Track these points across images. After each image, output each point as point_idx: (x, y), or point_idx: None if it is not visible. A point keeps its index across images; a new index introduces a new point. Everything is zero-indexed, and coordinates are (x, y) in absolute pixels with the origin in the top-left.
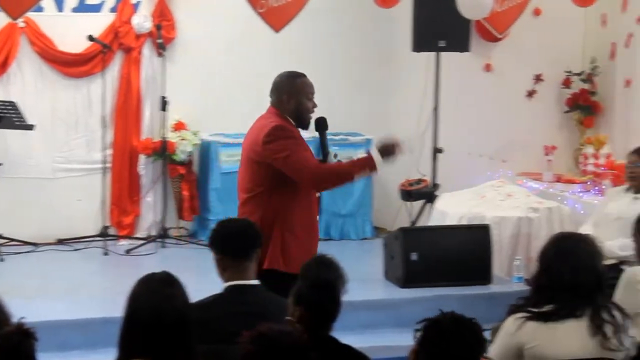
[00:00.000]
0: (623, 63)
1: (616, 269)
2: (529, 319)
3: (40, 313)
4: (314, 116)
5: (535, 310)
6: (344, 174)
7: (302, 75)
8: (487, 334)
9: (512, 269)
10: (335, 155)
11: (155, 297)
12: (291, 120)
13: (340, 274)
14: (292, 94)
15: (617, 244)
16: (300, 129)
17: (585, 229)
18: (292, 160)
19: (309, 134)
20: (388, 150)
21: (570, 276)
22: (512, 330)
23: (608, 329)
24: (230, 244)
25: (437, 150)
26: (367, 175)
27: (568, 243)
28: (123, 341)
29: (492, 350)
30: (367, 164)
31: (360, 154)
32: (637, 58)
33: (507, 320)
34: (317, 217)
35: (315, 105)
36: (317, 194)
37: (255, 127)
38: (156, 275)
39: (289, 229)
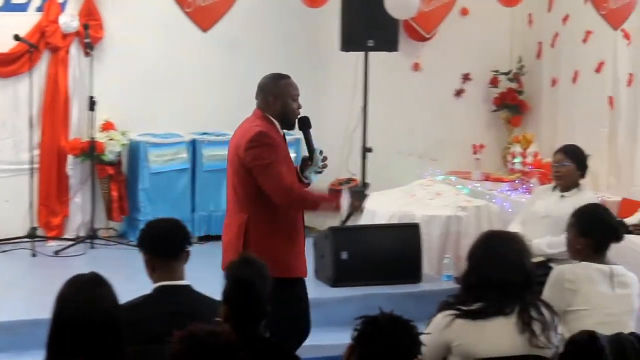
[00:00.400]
0: (549, 62)
1: (545, 267)
2: (458, 316)
3: None
4: None
5: (465, 308)
6: (310, 205)
7: (287, 77)
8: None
9: (441, 267)
10: (322, 152)
11: (83, 298)
12: (276, 123)
13: (264, 273)
14: (278, 96)
15: (545, 242)
16: (287, 130)
17: (513, 228)
18: (270, 172)
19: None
20: (356, 205)
21: (499, 274)
22: (441, 327)
23: (537, 327)
24: (159, 245)
25: (366, 150)
26: (328, 212)
27: (497, 241)
28: (51, 343)
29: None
30: (333, 206)
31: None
32: (563, 58)
33: (437, 317)
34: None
35: (300, 107)
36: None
37: (240, 129)
38: (84, 277)
39: (274, 233)
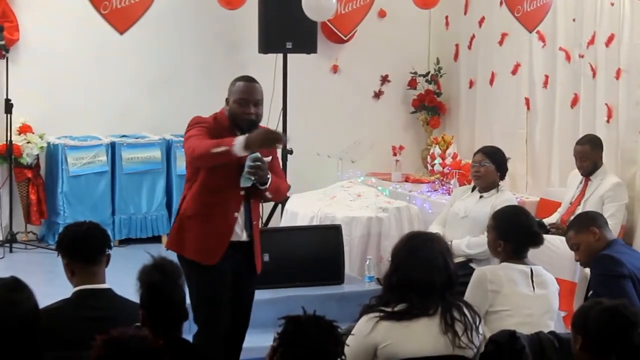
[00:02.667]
0: (466, 64)
1: (465, 267)
2: (382, 318)
3: None
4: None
5: (388, 309)
6: (206, 148)
7: (240, 79)
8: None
9: (363, 268)
10: (257, 160)
11: (1, 302)
12: (229, 121)
13: (174, 277)
14: (229, 97)
15: (464, 242)
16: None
17: (433, 228)
18: (187, 142)
19: None
20: (270, 137)
21: (422, 275)
22: (366, 331)
23: (459, 327)
24: (78, 249)
25: (287, 151)
26: (224, 152)
27: (419, 242)
28: None
29: (346, 351)
30: (225, 143)
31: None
32: (479, 59)
33: (360, 320)
34: (235, 213)
35: (247, 112)
36: (242, 192)
37: None
38: (2, 280)
39: (190, 216)
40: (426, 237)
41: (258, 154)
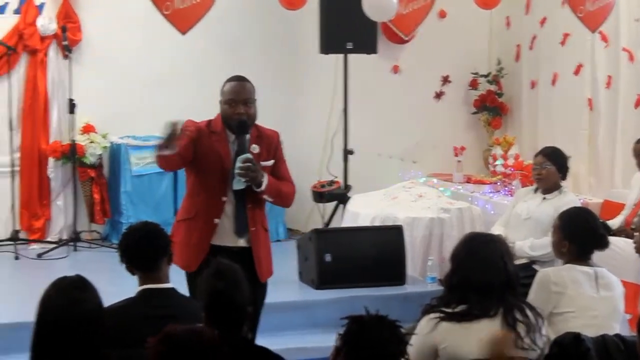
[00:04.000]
0: (528, 65)
1: (528, 269)
2: (442, 319)
3: None
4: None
5: (449, 310)
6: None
7: (231, 80)
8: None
9: (425, 269)
10: (247, 160)
11: (65, 300)
12: (222, 123)
13: (235, 282)
14: (221, 99)
15: (527, 244)
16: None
17: (495, 230)
18: None
19: None
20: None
21: (480, 276)
22: (426, 331)
23: (521, 329)
24: (137, 256)
25: (347, 152)
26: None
27: (478, 243)
28: (35, 345)
29: (409, 351)
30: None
31: None
32: (541, 59)
33: (421, 321)
34: (215, 220)
35: (236, 112)
36: (224, 198)
37: None
38: (68, 279)
39: (178, 221)
40: (486, 238)
41: (248, 155)
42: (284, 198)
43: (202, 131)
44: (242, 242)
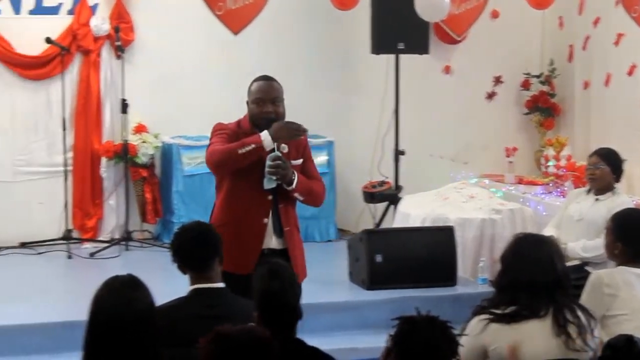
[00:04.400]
0: (581, 65)
1: (580, 270)
2: (492, 320)
3: (3, 317)
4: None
5: (498, 311)
6: (229, 150)
7: (258, 79)
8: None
9: (476, 270)
10: (277, 158)
11: (117, 300)
12: (249, 123)
13: (290, 282)
14: (248, 99)
15: (579, 246)
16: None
17: (547, 231)
18: (207, 150)
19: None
20: (292, 127)
21: (528, 275)
22: (476, 332)
23: (572, 330)
24: (189, 256)
25: (399, 152)
26: (253, 150)
27: (527, 244)
28: (87, 344)
29: (460, 351)
30: (252, 141)
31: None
32: (594, 60)
33: (471, 322)
34: (265, 219)
35: (264, 110)
36: (269, 197)
37: None
38: (120, 278)
39: (219, 226)
40: (535, 239)
41: (278, 153)
42: (315, 196)
43: (235, 132)
44: (274, 244)
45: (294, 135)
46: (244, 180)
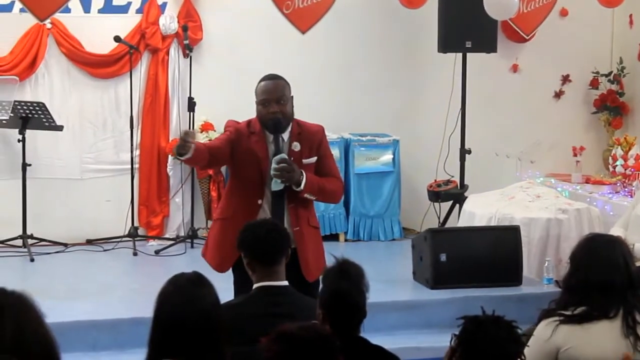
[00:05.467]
0: None
1: None
2: (562, 322)
3: (70, 314)
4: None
5: (568, 313)
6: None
7: (263, 79)
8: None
9: (541, 270)
10: (282, 161)
11: (182, 297)
12: (260, 124)
13: (361, 281)
14: (256, 100)
15: None
16: (271, 133)
17: (615, 231)
18: None
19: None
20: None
21: (602, 276)
22: (546, 336)
23: None
24: (258, 250)
25: (465, 151)
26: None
27: (599, 243)
28: (152, 341)
29: (527, 356)
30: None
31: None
32: None
33: (539, 325)
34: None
35: (270, 111)
36: (259, 201)
37: None
38: (185, 275)
39: (215, 219)
40: (606, 239)
41: (284, 155)
42: (329, 195)
43: (242, 132)
44: None
45: (182, 147)
46: (238, 180)
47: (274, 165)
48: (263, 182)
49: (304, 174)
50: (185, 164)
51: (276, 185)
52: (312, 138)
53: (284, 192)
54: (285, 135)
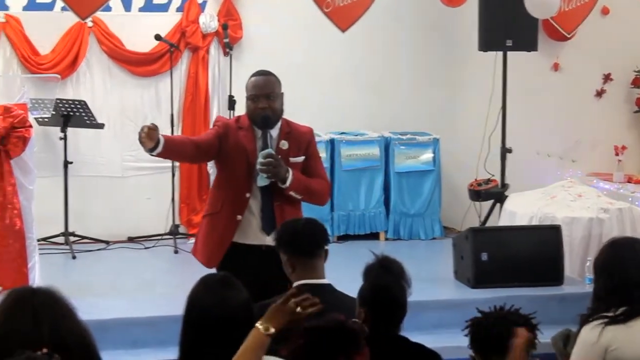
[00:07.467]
0: None
1: None
2: (607, 324)
3: (111, 311)
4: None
5: (610, 314)
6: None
7: (254, 75)
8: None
9: (583, 270)
10: (268, 156)
11: (211, 297)
12: (250, 119)
13: (402, 276)
14: (246, 95)
15: None
16: (259, 128)
17: None
18: None
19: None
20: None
21: (638, 276)
22: (593, 340)
23: None
24: (298, 243)
25: (505, 150)
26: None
27: (624, 245)
28: (182, 341)
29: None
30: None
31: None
32: None
33: (584, 330)
34: (238, 216)
35: (259, 106)
36: (247, 194)
37: None
38: (215, 276)
39: (204, 215)
40: (630, 240)
41: (270, 150)
42: (315, 195)
43: (230, 126)
44: (269, 240)
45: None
46: (226, 175)
47: (260, 160)
48: (251, 176)
49: (290, 171)
50: (160, 157)
51: (262, 180)
52: (301, 138)
53: (270, 189)
54: (274, 133)
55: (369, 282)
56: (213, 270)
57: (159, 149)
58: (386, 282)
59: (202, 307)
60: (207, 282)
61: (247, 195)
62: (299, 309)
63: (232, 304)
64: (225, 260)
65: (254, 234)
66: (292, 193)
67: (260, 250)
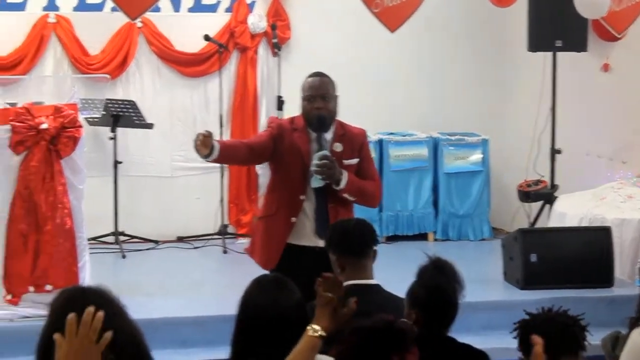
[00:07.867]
0: None
1: None
2: None
3: (161, 310)
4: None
5: None
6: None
7: (310, 75)
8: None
9: (634, 272)
10: (324, 157)
11: (264, 298)
12: (305, 120)
13: (456, 278)
14: (301, 95)
15: None
16: (313, 130)
17: None
18: None
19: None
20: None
21: None
22: None
23: None
24: (347, 242)
25: (555, 151)
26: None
27: None
28: (235, 341)
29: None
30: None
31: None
32: None
33: (634, 333)
34: (292, 218)
35: (314, 107)
36: (302, 197)
37: None
38: (269, 276)
39: (259, 218)
40: None
41: (326, 152)
42: (368, 197)
43: (284, 127)
44: (322, 242)
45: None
46: (280, 177)
47: (315, 162)
48: (305, 178)
49: (345, 173)
50: (215, 163)
51: (316, 182)
52: (354, 140)
53: (325, 191)
54: (329, 135)
55: (422, 283)
56: (264, 271)
57: (214, 155)
58: (440, 283)
59: (256, 307)
60: (260, 282)
61: (302, 197)
62: (345, 309)
63: (285, 305)
64: (280, 262)
65: (308, 236)
66: (345, 195)
67: (314, 252)
